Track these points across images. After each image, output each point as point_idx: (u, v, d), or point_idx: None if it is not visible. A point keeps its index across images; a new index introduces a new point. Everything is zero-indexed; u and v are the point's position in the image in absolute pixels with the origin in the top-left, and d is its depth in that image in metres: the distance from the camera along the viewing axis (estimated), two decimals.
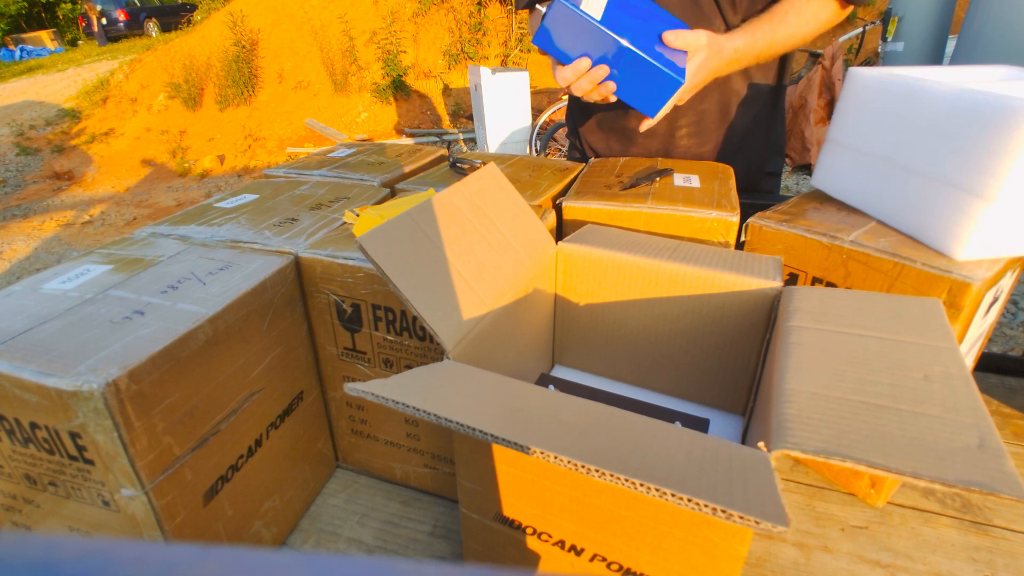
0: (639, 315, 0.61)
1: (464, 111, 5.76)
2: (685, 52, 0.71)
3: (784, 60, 0.91)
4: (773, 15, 0.76)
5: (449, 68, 6.16)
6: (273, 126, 6.14)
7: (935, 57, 3.70)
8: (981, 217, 0.51)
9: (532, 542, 0.43)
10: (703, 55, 0.72)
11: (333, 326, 0.59)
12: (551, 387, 0.51)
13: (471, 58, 6.12)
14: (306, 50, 6.57)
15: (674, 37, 0.69)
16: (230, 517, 0.52)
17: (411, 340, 0.56)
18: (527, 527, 0.43)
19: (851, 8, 0.80)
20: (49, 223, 4.69)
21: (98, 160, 6.28)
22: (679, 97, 0.74)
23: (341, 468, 0.69)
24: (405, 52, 6.09)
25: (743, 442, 0.52)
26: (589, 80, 0.71)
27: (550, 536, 0.42)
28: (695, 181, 0.75)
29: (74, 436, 0.41)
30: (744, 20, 0.80)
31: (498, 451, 0.41)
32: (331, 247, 0.56)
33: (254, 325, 0.52)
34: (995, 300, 0.58)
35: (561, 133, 4.15)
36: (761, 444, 0.34)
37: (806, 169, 3.91)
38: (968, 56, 2.94)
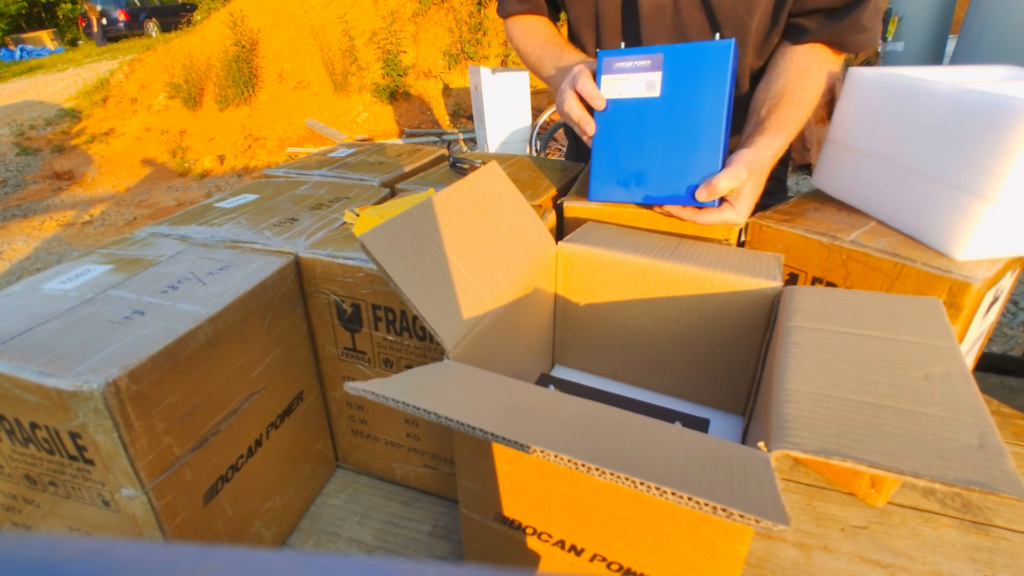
0: (639, 315, 0.61)
1: (464, 111, 5.76)
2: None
3: None
4: (792, 98, 0.70)
5: (449, 68, 6.16)
6: (273, 126, 6.14)
7: (935, 57, 3.70)
8: (981, 217, 0.51)
9: (532, 542, 0.43)
10: (749, 186, 0.63)
11: (333, 326, 0.59)
12: (551, 387, 0.51)
13: (471, 58, 6.11)
14: (306, 50, 6.57)
15: (707, 193, 0.61)
16: (230, 517, 0.51)
17: (411, 340, 0.56)
18: (527, 527, 0.43)
19: (844, 55, 0.75)
20: (49, 223, 4.68)
21: (98, 160, 6.28)
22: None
23: (341, 468, 0.69)
24: (405, 52, 6.09)
25: (743, 442, 0.52)
26: (578, 118, 0.68)
27: (550, 536, 0.42)
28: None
29: (74, 436, 0.41)
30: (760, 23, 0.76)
31: (498, 451, 0.41)
32: (331, 247, 0.56)
33: (254, 325, 0.52)
34: (995, 300, 0.58)
35: (561, 133, 4.15)
36: (761, 444, 0.34)
37: (806, 169, 3.91)
38: (968, 56, 2.94)
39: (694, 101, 0.63)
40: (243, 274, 0.52)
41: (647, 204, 0.67)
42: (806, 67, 0.72)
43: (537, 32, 0.87)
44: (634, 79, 0.65)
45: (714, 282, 0.55)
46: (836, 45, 0.72)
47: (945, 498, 0.60)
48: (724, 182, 0.60)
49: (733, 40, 0.61)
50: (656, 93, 0.64)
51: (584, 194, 0.72)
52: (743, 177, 0.61)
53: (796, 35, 0.74)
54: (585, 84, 0.67)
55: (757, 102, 0.73)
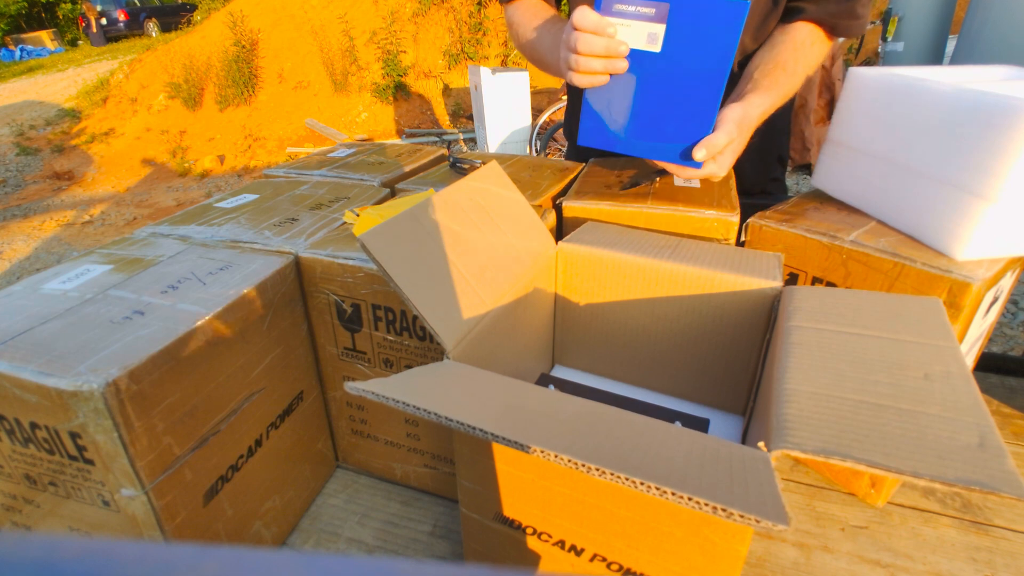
0: (639, 315, 0.61)
1: (464, 111, 5.76)
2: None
3: None
4: (786, 66, 0.72)
5: (449, 68, 6.16)
6: (273, 126, 6.14)
7: (935, 57, 3.70)
8: (981, 217, 0.51)
9: (532, 542, 0.43)
10: (736, 143, 0.65)
11: (333, 326, 0.59)
12: (551, 387, 0.51)
13: (471, 58, 6.12)
14: (306, 50, 6.57)
15: (706, 151, 0.62)
16: (230, 517, 0.51)
17: (411, 340, 0.56)
18: (527, 527, 0.43)
19: (834, 41, 0.79)
20: (49, 223, 4.68)
21: (98, 160, 6.28)
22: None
23: (341, 468, 0.69)
24: (405, 52, 6.09)
25: (743, 442, 0.52)
26: (605, 49, 0.61)
27: (550, 536, 0.42)
28: (695, 181, 0.75)
29: (74, 436, 0.41)
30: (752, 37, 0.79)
31: (498, 451, 0.41)
32: (331, 247, 0.56)
33: (254, 325, 0.52)
34: (995, 300, 0.58)
35: (561, 133, 4.15)
36: (761, 444, 0.34)
37: (806, 169, 3.91)
38: (968, 56, 2.94)
39: (696, 61, 0.60)
40: (243, 274, 0.52)
41: (633, 155, 0.67)
42: (801, 41, 0.76)
43: (537, 15, 0.87)
44: (635, 27, 0.62)
45: (714, 282, 0.55)
46: (829, 28, 0.77)
47: (945, 498, 0.60)
48: (720, 140, 0.62)
49: (748, 2, 0.58)
50: (657, 48, 0.62)
51: (584, 193, 0.72)
52: (733, 135, 0.63)
53: (793, 15, 0.78)
54: (586, 16, 0.61)
55: (752, 67, 0.75)
